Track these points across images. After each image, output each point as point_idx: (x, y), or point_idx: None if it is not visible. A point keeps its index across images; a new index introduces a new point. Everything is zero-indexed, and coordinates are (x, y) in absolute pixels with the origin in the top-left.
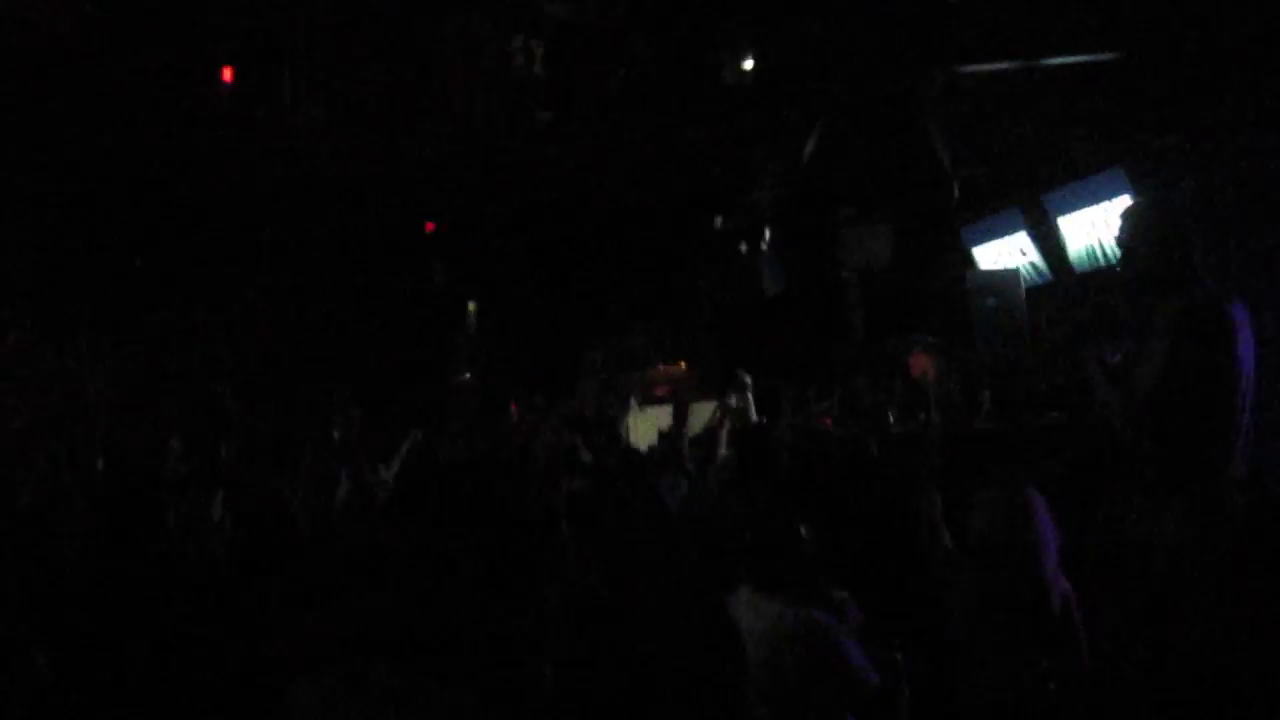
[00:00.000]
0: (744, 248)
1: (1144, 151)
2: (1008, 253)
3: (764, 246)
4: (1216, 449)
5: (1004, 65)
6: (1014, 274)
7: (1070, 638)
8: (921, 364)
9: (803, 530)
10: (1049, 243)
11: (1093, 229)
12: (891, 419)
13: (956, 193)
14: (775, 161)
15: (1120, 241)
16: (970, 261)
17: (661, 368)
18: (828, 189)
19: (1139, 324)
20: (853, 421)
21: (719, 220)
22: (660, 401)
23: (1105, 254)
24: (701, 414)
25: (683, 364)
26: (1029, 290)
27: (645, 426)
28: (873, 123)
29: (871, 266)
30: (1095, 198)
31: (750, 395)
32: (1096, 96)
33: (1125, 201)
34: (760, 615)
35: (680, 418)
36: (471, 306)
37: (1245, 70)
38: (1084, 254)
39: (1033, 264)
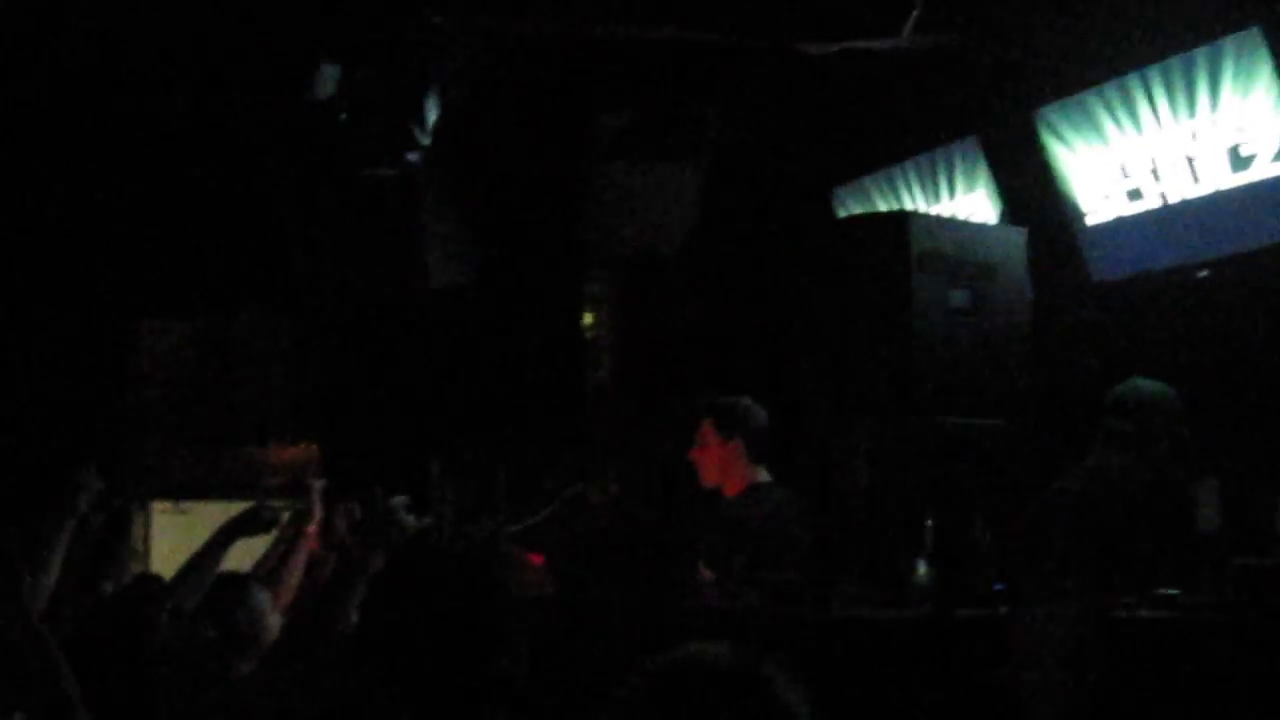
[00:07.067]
0: (388, 170)
1: None
2: None
3: (425, 170)
4: None
5: None
6: (1006, 233)
7: None
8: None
9: None
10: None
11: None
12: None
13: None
14: None
15: None
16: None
17: (273, 449)
18: (580, 61)
19: None
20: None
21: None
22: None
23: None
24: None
25: (302, 446)
26: None
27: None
28: None
29: (652, 249)
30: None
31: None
32: None
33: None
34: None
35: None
36: None
37: None
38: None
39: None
